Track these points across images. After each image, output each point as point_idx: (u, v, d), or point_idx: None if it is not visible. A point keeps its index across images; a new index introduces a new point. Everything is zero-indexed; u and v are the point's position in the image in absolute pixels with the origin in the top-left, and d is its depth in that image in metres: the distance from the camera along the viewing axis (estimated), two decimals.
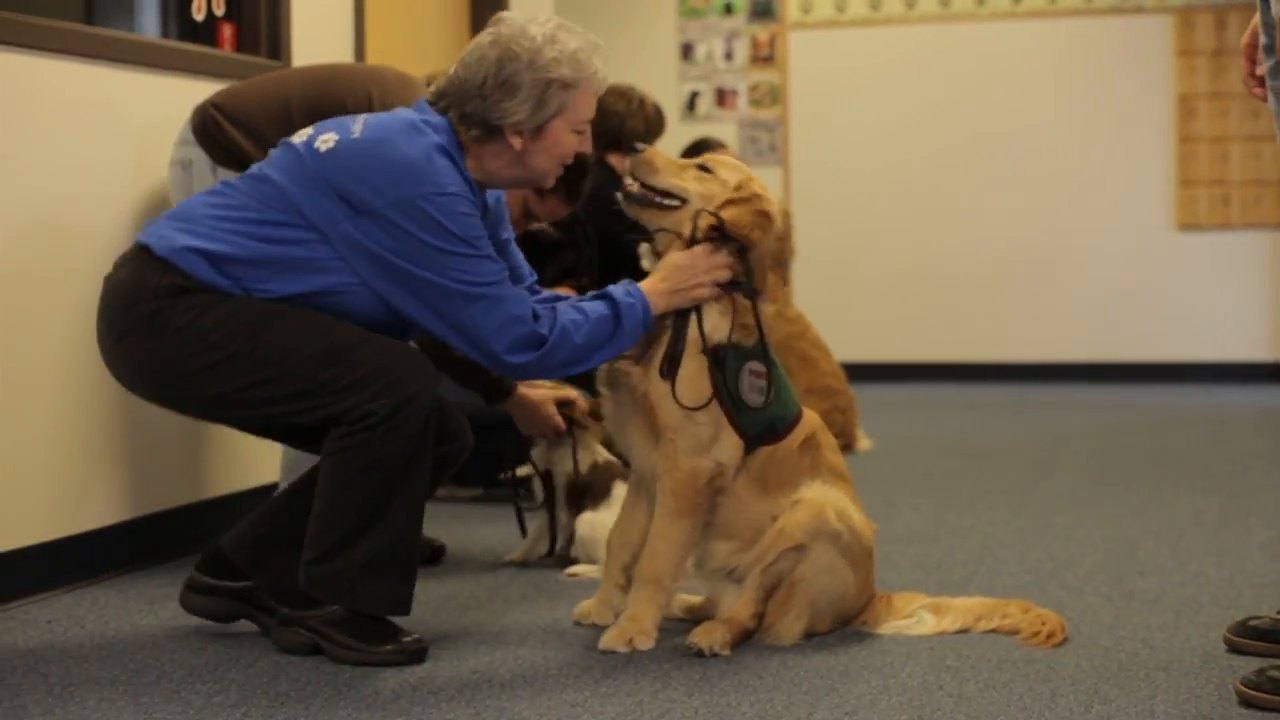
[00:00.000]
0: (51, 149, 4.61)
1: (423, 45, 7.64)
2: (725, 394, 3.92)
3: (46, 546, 4.60)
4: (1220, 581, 4.61)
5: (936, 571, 4.81)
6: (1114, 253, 10.97)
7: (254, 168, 3.93)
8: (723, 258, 3.94)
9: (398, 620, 3.91)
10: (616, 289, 3.93)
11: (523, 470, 5.21)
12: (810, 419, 4.11)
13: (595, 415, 4.91)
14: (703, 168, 4.05)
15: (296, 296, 3.80)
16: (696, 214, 3.98)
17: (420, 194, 3.71)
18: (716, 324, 3.95)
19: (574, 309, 3.88)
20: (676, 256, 3.94)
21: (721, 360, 3.93)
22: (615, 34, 11.50)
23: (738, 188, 4.04)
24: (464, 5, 8.06)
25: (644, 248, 4.10)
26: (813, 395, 7.42)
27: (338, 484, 3.80)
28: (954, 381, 11.06)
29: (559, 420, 4.95)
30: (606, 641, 3.91)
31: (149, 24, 5.44)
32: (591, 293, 3.97)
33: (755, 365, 3.97)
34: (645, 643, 3.91)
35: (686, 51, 11.76)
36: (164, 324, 3.75)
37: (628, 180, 4.04)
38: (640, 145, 4.06)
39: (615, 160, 7.30)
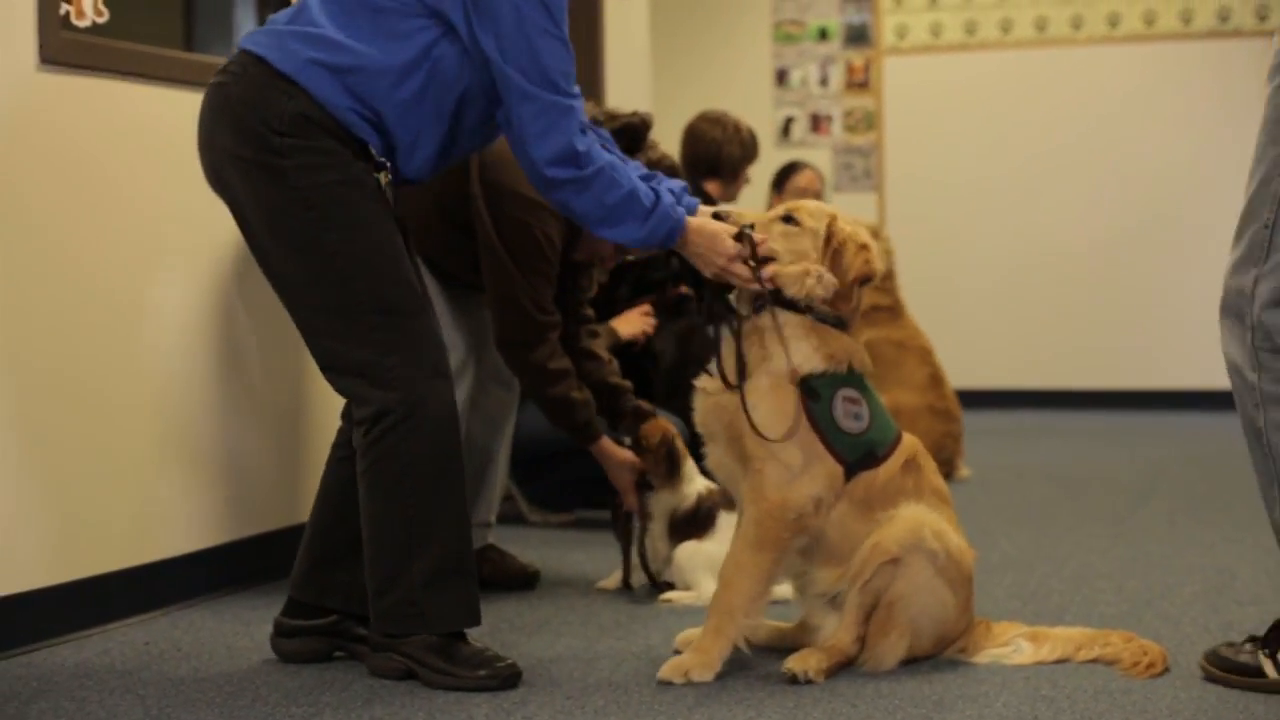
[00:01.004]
0: (153, 174, 4.65)
1: None
2: (822, 423, 3.90)
3: (144, 569, 4.64)
4: None
5: (1032, 601, 4.77)
6: (1210, 279, 10.80)
7: None
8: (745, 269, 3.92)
9: (492, 645, 3.91)
10: (669, 195, 3.91)
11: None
12: (910, 442, 4.07)
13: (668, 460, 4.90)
14: (788, 219, 4.01)
15: (403, 66, 3.76)
16: (807, 275, 3.94)
17: None
18: (807, 355, 3.93)
19: (625, 173, 3.86)
20: (725, 239, 3.92)
21: (814, 390, 3.91)
22: (710, 59, 11.53)
23: (827, 236, 3.99)
24: None
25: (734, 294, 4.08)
26: (935, 416, 7.41)
27: (377, 501, 3.81)
28: (1049, 409, 10.99)
29: (632, 496, 4.97)
30: (664, 672, 3.85)
31: None
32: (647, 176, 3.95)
33: (848, 392, 3.94)
34: (704, 675, 3.83)
35: (781, 77, 11.76)
36: (281, 174, 3.72)
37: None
38: (725, 211, 4.03)
39: (712, 187, 7.29)
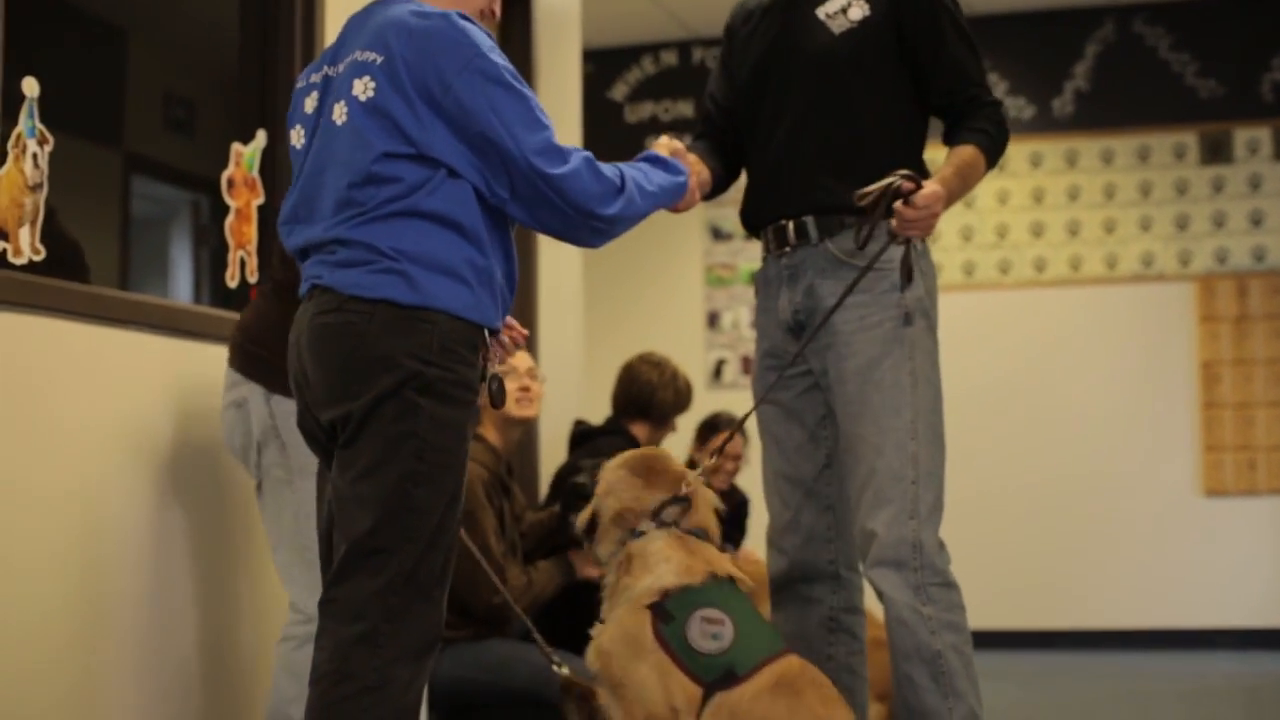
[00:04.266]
0: (91, 411, 4.64)
1: None
2: (674, 644, 3.83)
3: None
4: None
5: None
6: (1142, 519, 10.93)
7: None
8: None
9: None
10: (648, 157, 3.86)
11: None
12: (790, 663, 3.93)
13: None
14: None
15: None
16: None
17: (475, 55, 3.43)
18: (661, 572, 3.93)
19: (636, 166, 3.74)
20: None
21: (667, 612, 3.87)
22: (641, 300, 11.64)
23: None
24: None
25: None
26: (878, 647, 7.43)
27: None
28: (979, 650, 10.94)
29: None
30: None
31: (182, 290, 5.51)
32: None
33: (709, 612, 3.88)
34: None
35: (713, 320, 11.86)
36: (414, 414, 3.42)
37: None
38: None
39: (639, 430, 7.15)
